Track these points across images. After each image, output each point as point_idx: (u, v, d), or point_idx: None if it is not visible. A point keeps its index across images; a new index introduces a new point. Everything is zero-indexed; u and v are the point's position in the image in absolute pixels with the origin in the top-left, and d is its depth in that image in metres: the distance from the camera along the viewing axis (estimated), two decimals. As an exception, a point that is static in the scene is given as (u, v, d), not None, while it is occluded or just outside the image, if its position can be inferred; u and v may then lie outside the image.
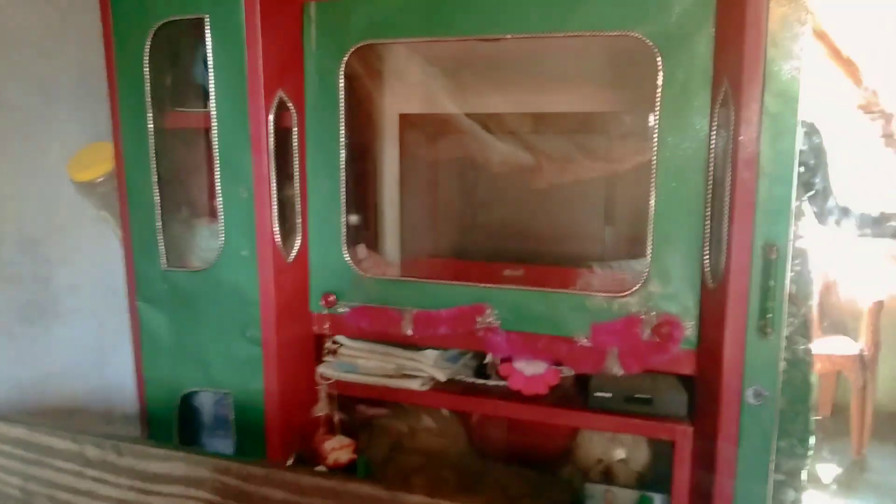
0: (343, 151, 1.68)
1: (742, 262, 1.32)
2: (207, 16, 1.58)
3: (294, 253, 1.71)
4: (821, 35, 3.37)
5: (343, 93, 1.65)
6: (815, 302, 2.22)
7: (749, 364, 1.36)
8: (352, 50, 1.63)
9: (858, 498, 3.05)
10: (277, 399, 1.73)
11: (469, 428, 2.00)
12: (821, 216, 2.24)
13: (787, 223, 1.29)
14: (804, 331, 2.12)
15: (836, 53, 3.39)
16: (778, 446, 2.15)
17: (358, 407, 1.93)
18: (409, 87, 1.92)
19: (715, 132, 1.39)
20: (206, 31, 1.59)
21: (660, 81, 1.41)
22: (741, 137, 1.29)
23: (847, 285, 3.41)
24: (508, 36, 1.52)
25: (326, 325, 1.77)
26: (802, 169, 1.96)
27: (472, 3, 1.52)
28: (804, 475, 2.23)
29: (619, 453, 1.79)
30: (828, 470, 3.17)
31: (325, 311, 1.75)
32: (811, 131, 2.10)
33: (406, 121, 1.95)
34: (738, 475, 1.41)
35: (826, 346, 3.35)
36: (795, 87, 1.26)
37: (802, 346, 2.10)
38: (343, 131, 1.67)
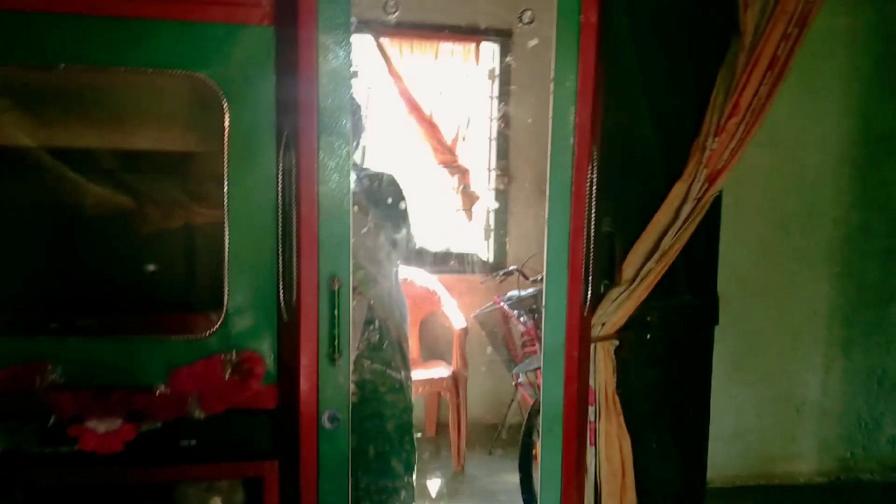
0: None
1: (310, 294, 1.41)
2: None
3: None
4: (407, 97, 3.84)
5: None
6: (406, 332, 2.48)
7: (322, 390, 1.44)
8: None
9: (460, 505, 3.42)
10: None
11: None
12: (405, 256, 2.51)
13: (347, 257, 1.41)
14: (402, 359, 2.35)
15: (419, 115, 3.89)
16: (388, 466, 2.33)
17: None
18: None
19: (281, 173, 1.46)
20: None
21: (227, 124, 1.44)
22: (302, 179, 1.38)
23: (440, 315, 3.87)
24: (61, 66, 1.41)
25: None
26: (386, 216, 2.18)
27: (20, 27, 1.37)
28: (410, 492, 2.43)
29: (217, 502, 1.73)
30: (434, 484, 3.50)
31: None
32: (391, 182, 2.36)
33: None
34: (320, 499, 1.47)
35: (427, 372, 3.73)
36: (347, 134, 1.39)
37: (401, 374, 2.32)
38: None
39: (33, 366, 1.43)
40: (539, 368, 3.40)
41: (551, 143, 1.46)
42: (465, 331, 3.82)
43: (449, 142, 4.05)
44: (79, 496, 1.62)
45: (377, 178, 2.24)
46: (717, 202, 1.81)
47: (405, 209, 2.30)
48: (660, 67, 1.76)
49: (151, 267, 1.64)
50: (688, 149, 1.74)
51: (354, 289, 1.51)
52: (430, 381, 3.73)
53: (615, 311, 1.67)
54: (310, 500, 1.46)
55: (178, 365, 1.48)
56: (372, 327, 2.03)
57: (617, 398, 1.70)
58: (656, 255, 1.71)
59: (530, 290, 3.50)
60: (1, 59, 1.40)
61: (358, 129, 2.09)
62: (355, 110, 1.99)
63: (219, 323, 1.49)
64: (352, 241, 1.41)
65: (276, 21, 1.44)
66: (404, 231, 2.26)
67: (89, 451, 1.50)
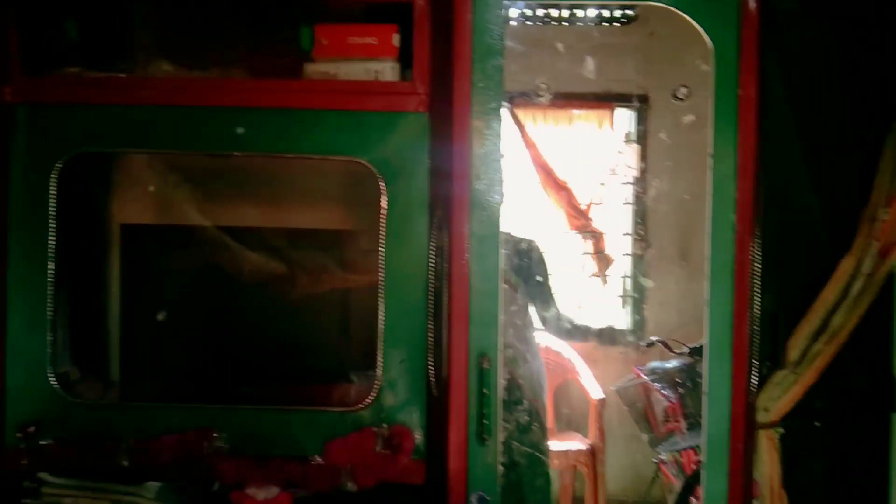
0: (52, 265, 1.53)
1: (460, 372, 1.41)
2: None
3: (-15, 380, 1.49)
4: (540, 164, 3.87)
5: (55, 202, 1.52)
6: (545, 404, 2.43)
7: (471, 470, 1.42)
8: (66, 158, 1.52)
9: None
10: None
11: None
12: (545, 323, 2.48)
13: (496, 334, 1.41)
14: (540, 433, 2.30)
15: (553, 180, 3.89)
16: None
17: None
18: (136, 196, 1.83)
19: (434, 251, 1.49)
20: None
21: (384, 204, 1.51)
22: (454, 257, 1.40)
23: (576, 386, 3.76)
24: (237, 153, 1.54)
25: (24, 462, 1.53)
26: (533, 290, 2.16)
27: (199, 120, 1.52)
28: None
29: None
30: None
31: (23, 445, 1.53)
32: (530, 248, 2.37)
33: (130, 231, 1.84)
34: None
35: (562, 445, 3.62)
36: (498, 214, 1.41)
37: (538, 447, 2.28)
38: (53, 243, 1.53)
39: (201, 432, 1.52)
40: (686, 449, 3.21)
41: (711, 219, 1.40)
42: (603, 402, 3.69)
43: (583, 206, 4.02)
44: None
45: (520, 244, 2.25)
46: (892, 276, 1.67)
47: (548, 280, 2.29)
48: (821, 134, 1.66)
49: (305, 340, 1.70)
50: (855, 220, 1.61)
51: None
52: (566, 454, 3.60)
53: (780, 397, 1.56)
54: (457, 582, 1.43)
55: (332, 436, 1.52)
56: (521, 407, 2.01)
57: (784, 493, 1.56)
58: (825, 336, 1.58)
59: (674, 362, 3.34)
60: (186, 147, 1.55)
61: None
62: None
63: (371, 396, 1.53)
64: (501, 318, 1.41)
65: (431, 108, 1.50)
66: (552, 307, 2.24)
67: (247, 517, 1.56)
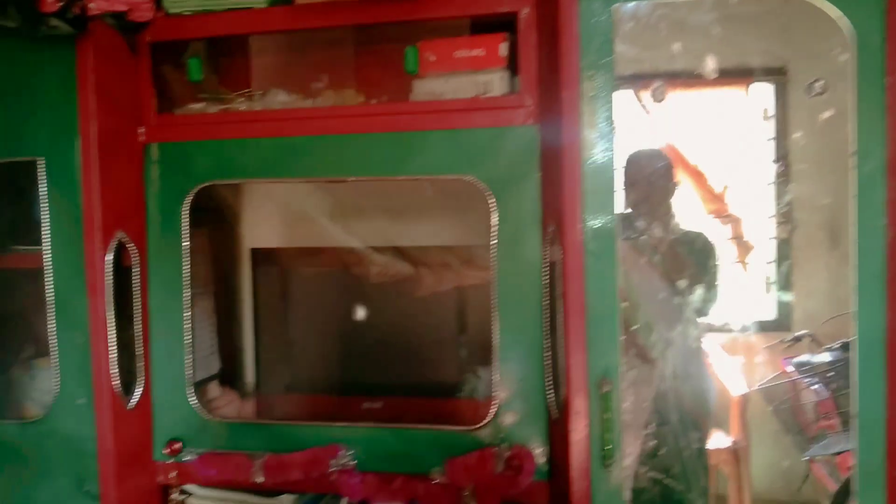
0: (187, 291, 1.63)
1: (580, 396, 1.36)
2: (42, 159, 1.54)
3: (135, 399, 1.62)
4: (669, 148, 3.66)
5: (187, 231, 1.62)
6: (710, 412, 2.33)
7: (596, 494, 1.37)
8: (195, 190, 1.61)
9: (744, 593, 3.07)
10: (118, 561, 1.59)
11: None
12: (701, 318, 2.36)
13: (616, 357, 1.34)
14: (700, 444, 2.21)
15: (685, 164, 3.68)
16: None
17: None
18: (259, 222, 1.91)
19: (547, 267, 1.45)
20: (41, 174, 1.54)
21: (494, 220, 1.47)
22: (568, 274, 1.35)
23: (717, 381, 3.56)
24: (351, 178, 1.56)
25: (173, 475, 1.66)
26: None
27: (314, 148, 1.56)
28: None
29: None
30: (714, 565, 3.19)
31: (171, 460, 1.65)
32: (697, 238, 2.26)
33: (259, 255, 1.93)
34: None
35: (701, 442, 3.44)
36: (614, 228, 1.34)
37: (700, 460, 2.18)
38: (187, 269, 1.63)
39: (329, 449, 1.57)
40: (840, 453, 2.95)
41: (858, 225, 1.25)
42: (746, 398, 3.48)
43: (718, 190, 3.77)
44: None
45: (686, 237, 2.16)
46: None
47: (716, 275, 2.18)
48: None
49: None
50: None
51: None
52: (707, 452, 3.43)
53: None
54: None
55: (453, 455, 1.52)
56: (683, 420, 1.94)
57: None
58: None
59: (826, 355, 3.08)
60: (301, 173, 1.59)
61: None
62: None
63: (490, 415, 1.51)
64: (620, 339, 1.34)
65: (540, 119, 1.45)
66: (713, 303, 2.13)
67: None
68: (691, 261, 2.24)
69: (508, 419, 1.50)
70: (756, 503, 3.51)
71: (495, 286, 1.49)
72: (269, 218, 1.89)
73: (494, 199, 1.47)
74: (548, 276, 1.45)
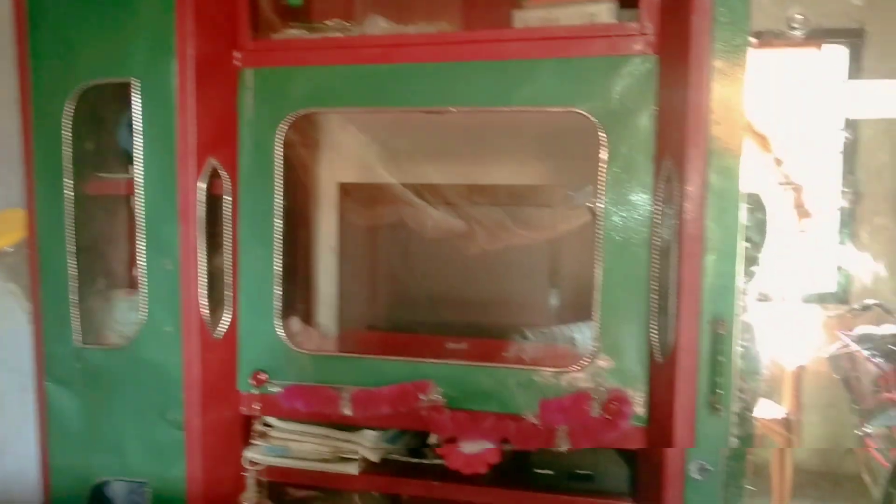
0: (279, 221, 1.60)
1: (690, 338, 1.31)
2: (138, 80, 1.51)
3: (223, 328, 1.61)
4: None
5: (280, 161, 1.59)
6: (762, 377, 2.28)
7: (699, 440, 1.33)
8: (289, 118, 1.57)
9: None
10: (200, 487, 1.59)
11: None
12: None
13: (733, 298, 1.29)
14: (752, 405, 2.16)
15: (749, 128, 3.58)
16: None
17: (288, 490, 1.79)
18: (348, 155, 1.87)
19: (659, 207, 1.39)
20: (135, 96, 1.52)
21: (604, 156, 1.42)
22: (686, 213, 1.29)
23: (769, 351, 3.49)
24: (453, 109, 1.51)
25: (256, 406, 1.65)
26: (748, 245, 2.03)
27: (416, 75, 1.50)
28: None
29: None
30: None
31: (255, 391, 1.64)
32: (756, 206, 2.19)
33: (345, 190, 1.90)
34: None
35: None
36: (737, 163, 1.28)
37: (751, 420, 2.14)
38: (279, 200, 1.60)
39: (419, 384, 1.54)
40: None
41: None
42: (802, 369, 3.42)
43: (783, 156, 3.66)
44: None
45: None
46: None
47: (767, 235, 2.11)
48: None
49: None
50: None
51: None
52: (760, 422, 3.39)
53: None
54: (677, 553, 1.36)
55: (546, 396, 1.49)
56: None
57: None
58: None
59: (887, 327, 3.02)
60: (401, 103, 1.54)
61: None
62: None
63: (588, 358, 1.47)
64: (739, 280, 1.29)
65: (661, 49, 1.38)
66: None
67: (454, 469, 1.57)
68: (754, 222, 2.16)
69: (607, 363, 1.46)
70: (798, 473, 3.48)
71: (602, 224, 1.44)
72: (357, 152, 1.85)
73: (604, 134, 1.42)
74: (659, 216, 1.40)
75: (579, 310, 1.53)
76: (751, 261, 2.02)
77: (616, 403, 1.45)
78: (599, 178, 1.43)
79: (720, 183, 1.27)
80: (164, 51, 1.49)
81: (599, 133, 1.42)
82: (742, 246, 1.28)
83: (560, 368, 1.49)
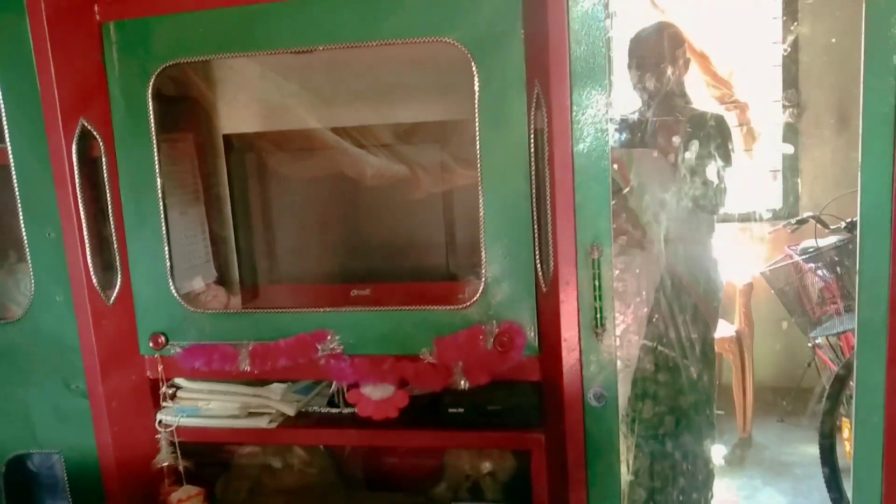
0: (160, 179, 1.55)
1: (568, 264, 1.30)
2: (-10, 44, 1.44)
3: (115, 294, 1.58)
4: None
5: (154, 116, 1.53)
6: (718, 307, 2.30)
7: (586, 366, 1.34)
8: (158, 71, 1.51)
9: (747, 475, 3.14)
10: (112, 454, 1.59)
11: (338, 458, 1.91)
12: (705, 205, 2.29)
13: (607, 222, 1.27)
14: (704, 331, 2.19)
15: (689, 47, 3.51)
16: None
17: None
18: (234, 104, 1.81)
19: (533, 135, 1.36)
20: (-8, 62, 1.45)
21: (476, 87, 1.38)
22: (555, 139, 1.26)
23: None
24: (320, 48, 1.45)
25: (160, 369, 1.63)
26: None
27: (278, 16, 1.44)
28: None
29: (486, 466, 1.74)
30: (717, 450, 3.25)
31: (157, 354, 1.62)
32: (718, 122, 2.17)
33: (232, 141, 1.84)
34: (589, 479, 1.38)
35: (705, 331, 3.43)
36: (604, 83, 1.24)
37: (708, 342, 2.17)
38: (157, 157, 1.54)
39: (316, 334, 1.53)
40: (844, 332, 2.93)
41: (865, 64, 1.15)
42: (750, 286, 3.45)
43: (724, 74, 3.61)
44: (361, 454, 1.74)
45: (702, 118, 2.08)
46: None
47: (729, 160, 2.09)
48: None
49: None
50: None
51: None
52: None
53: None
54: (579, 478, 1.37)
55: (441, 335, 1.48)
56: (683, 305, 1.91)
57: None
58: None
59: (831, 238, 3.03)
60: (269, 46, 1.48)
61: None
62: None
63: (478, 293, 1.46)
64: (612, 203, 1.27)
65: (521, -32, 1.33)
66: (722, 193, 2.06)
67: (365, 417, 1.58)
68: (705, 141, 2.15)
69: (496, 296, 1.45)
70: (759, 390, 3.55)
71: (480, 158, 1.40)
72: (244, 103, 1.79)
73: (475, 63, 1.37)
74: (534, 145, 1.37)
75: (472, 244, 1.50)
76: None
77: (508, 335, 1.44)
78: (476, 108, 1.39)
79: (585, 104, 1.23)
80: (14, 7, 1.41)
81: (471, 63, 1.37)
82: (612, 169, 1.26)
83: (453, 306, 1.48)
